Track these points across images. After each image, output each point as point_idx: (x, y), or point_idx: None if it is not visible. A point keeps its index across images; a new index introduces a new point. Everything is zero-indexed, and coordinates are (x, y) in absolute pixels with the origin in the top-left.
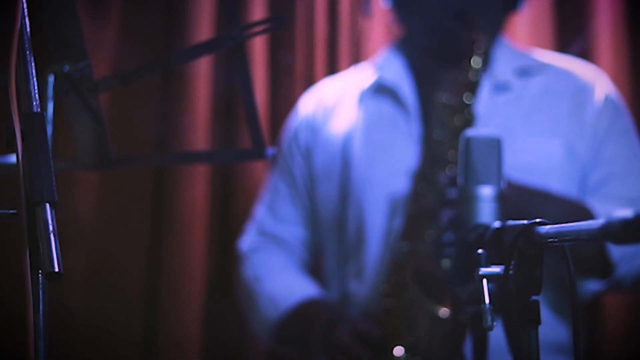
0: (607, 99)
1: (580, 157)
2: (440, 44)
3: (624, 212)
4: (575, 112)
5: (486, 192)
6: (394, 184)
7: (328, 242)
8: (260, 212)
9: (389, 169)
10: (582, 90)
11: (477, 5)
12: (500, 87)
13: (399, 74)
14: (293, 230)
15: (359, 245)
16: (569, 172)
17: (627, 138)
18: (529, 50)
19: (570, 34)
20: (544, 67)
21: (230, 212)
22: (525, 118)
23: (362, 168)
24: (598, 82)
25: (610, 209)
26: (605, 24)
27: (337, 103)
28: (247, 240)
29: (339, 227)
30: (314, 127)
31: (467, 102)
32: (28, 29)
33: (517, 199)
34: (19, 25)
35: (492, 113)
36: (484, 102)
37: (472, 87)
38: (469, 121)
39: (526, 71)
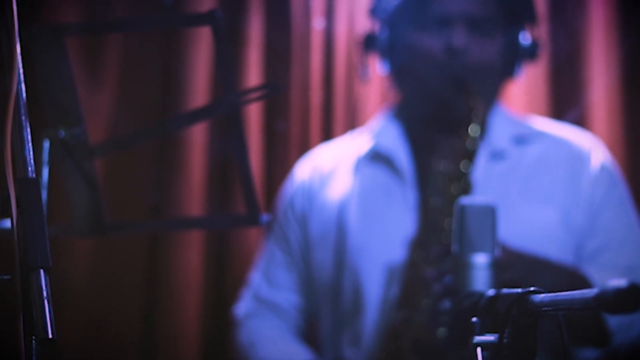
0: (603, 168)
1: (576, 226)
2: (437, 111)
3: (618, 282)
4: (571, 180)
5: (480, 260)
6: (390, 252)
7: (323, 308)
8: (255, 278)
9: (385, 237)
10: (577, 158)
11: (475, 74)
12: (497, 155)
13: (394, 141)
14: (288, 296)
15: (355, 312)
16: (565, 240)
17: (623, 207)
18: (525, 118)
19: (566, 103)
20: (540, 135)
21: (224, 278)
22: (521, 186)
23: (358, 236)
24: (594, 150)
25: (607, 277)
26: (600, 93)
27: (333, 170)
28: (243, 306)
29: (335, 293)
30: (309, 194)
31: (464, 171)
32: (24, 94)
33: (514, 265)
34: (14, 90)
35: (488, 181)
36: (480, 170)
37: (470, 155)
38: (466, 189)
39: (522, 139)
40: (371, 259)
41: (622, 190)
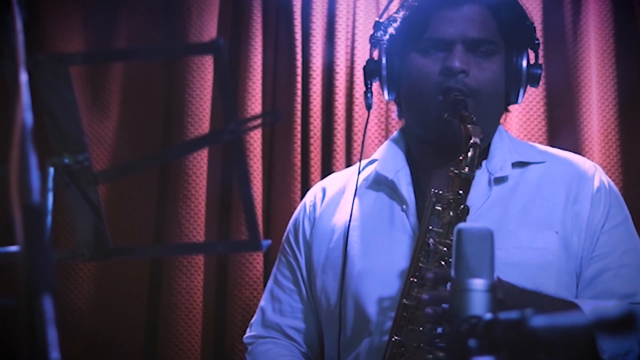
0: (606, 190)
1: (575, 250)
2: (438, 135)
3: (613, 309)
4: (572, 203)
5: (478, 284)
6: (390, 276)
7: (328, 332)
8: (263, 303)
9: (386, 262)
10: (578, 181)
11: (475, 95)
12: (498, 179)
13: (397, 167)
14: (294, 322)
15: (358, 336)
16: (564, 264)
17: (624, 231)
18: (525, 143)
19: (561, 131)
20: (540, 158)
21: (226, 303)
22: (521, 210)
23: (360, 260)
24: (595, 174)
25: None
26: (595, 121)
27: (338, 196)
28: (251, 331)
29: (339, 318)
30: (315, 219)
31: (464, 195)
32: (30, 122)
33: (510, 298)
34: (20, 118)
35: (488, 205)
36: (481, 194)
37: (468, 181)
38: (465, 214)
39: (523, 163)
40: (372, 283)
41: (624, 214)
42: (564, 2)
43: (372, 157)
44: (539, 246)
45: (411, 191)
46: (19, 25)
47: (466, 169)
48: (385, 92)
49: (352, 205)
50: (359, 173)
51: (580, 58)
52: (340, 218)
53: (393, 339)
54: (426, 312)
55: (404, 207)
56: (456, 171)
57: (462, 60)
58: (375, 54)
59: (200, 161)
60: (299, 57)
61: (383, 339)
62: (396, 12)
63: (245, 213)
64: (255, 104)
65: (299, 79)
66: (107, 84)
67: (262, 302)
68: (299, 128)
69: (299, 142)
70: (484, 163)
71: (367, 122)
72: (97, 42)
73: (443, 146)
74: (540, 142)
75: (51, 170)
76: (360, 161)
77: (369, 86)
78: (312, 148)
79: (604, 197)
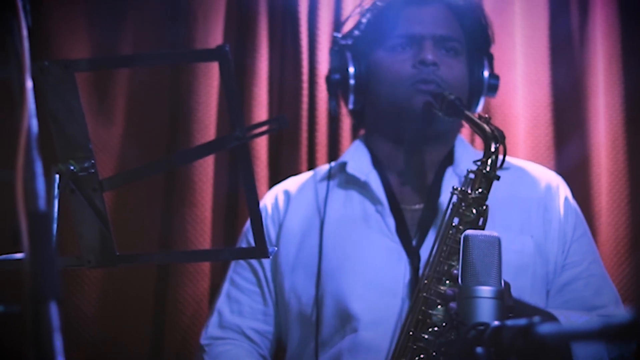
0: (569, 202)
1: (548, 255)
2: (420, 126)
3: (623, 315)
4: (543, 211)
5: (485, 291)
6: (373, 275)
7: (299, 332)
8: (219, 305)
9: (366, 261)
10: (546, 190)
11: (446, 88)
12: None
13: (365, 170)
14: (254, 323)
15: (338, 334)
16: (539, 267)
17: (588, 241)
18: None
19: (568, 133)
20: (507, 165)
21: None
22: (496, 213)
23: (336, 259)
24: (559, 184)
25: (572, 313)
26: (602, 127)
27: (303, 197)
28: (207, 333)
29: (316, 316)
30: (280, 221)
31: (485, 194)
32: (35, 129)
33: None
34: (26, 124)
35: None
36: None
37: (492, 181)
38: (486, 213)
39: None
40: (355, 282)
41: (585, 224)
42: (571, 7)
43: (341, 160)
44: (517, 249)
45: (382, 192)
46: (24, 31)
47: (488, 169)
48: (351, 100)
49: (325, 204)
50: (329, 174)
51: (587, 63)
52: (307, 218)
53: (409, 333)
54: (450, 307)
55: (379, 207)
56: (484, 170)
57: (433, 53)
58: (337, 64)
59: (207, 168)
60: (304, 63)
61: (374, 334)
62: (360, 19)
63: (251, 220)
64: (261, 111)
65: (305, 85)
66: (112, 90)
67: (217, 304)
68: (305, 135)
69: (305, 149)
70: (450, 169)
71: (332, 128)
72: (102, 48)
73: (418, 139)
74: (547, 148)
75: (57, 177)
76: (330, 164)
77: (335, 95)
78: (318, 155)
79: (570, 207)
